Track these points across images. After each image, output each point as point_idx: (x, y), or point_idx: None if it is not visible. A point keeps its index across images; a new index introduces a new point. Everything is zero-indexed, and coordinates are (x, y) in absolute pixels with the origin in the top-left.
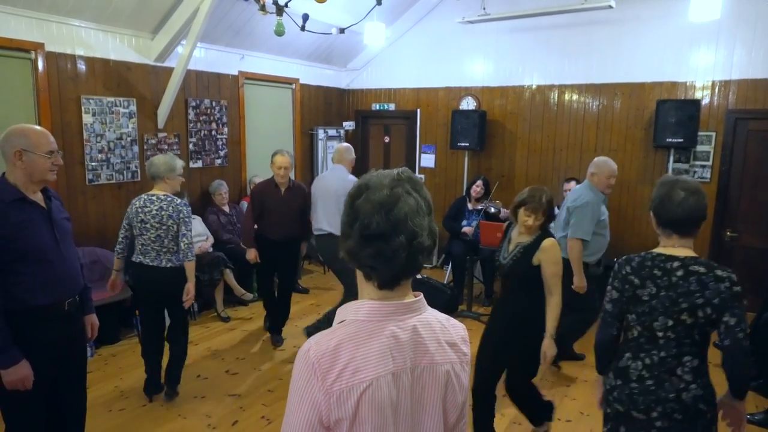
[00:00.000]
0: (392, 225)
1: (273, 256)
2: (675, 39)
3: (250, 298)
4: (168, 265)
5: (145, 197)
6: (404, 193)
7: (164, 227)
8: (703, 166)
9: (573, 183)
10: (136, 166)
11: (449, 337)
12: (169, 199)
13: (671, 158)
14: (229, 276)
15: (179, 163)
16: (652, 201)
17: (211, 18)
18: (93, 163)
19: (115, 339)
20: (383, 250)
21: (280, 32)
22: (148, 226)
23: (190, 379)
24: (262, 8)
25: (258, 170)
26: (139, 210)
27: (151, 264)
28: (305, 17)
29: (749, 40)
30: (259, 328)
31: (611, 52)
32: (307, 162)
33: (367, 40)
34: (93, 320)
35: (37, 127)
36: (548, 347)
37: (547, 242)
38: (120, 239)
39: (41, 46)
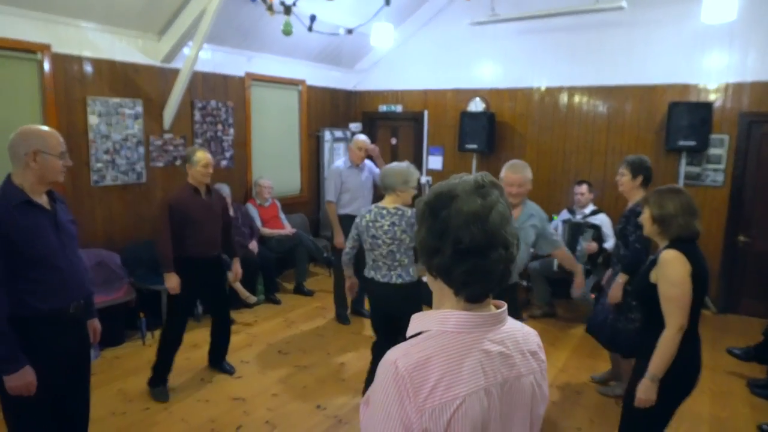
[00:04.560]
0: (488, 237)
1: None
2: (687, 41)
3: (254, 301)
4: (398, 281)
5: (375, 210)
6: (495, 200)
7: (396, 242)
8: (716, 170)
9: (585, 186)
10: (141, 168)
11: (530, 346)
12: (400, 212)
13: (683, 161)
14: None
15: (415, 176)
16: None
17: (218, 19)
18: (98, 165)
19: (120, 341)
20: (480, 266)
21: (288, 32)
22: (379, 242)
23: (194, 382)
24: (270, 8)
25: (264, 172)
26: (370, 224)
27: (381, 281)
28: (312, 18)
29: (763, 42)
30: (263, 332)
31: (622, 54)
32: (314, 164)
33: (374, 41)
34: (95, 325)
35: (48, 128)
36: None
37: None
38: (347, 249)
39: (47, 47)
